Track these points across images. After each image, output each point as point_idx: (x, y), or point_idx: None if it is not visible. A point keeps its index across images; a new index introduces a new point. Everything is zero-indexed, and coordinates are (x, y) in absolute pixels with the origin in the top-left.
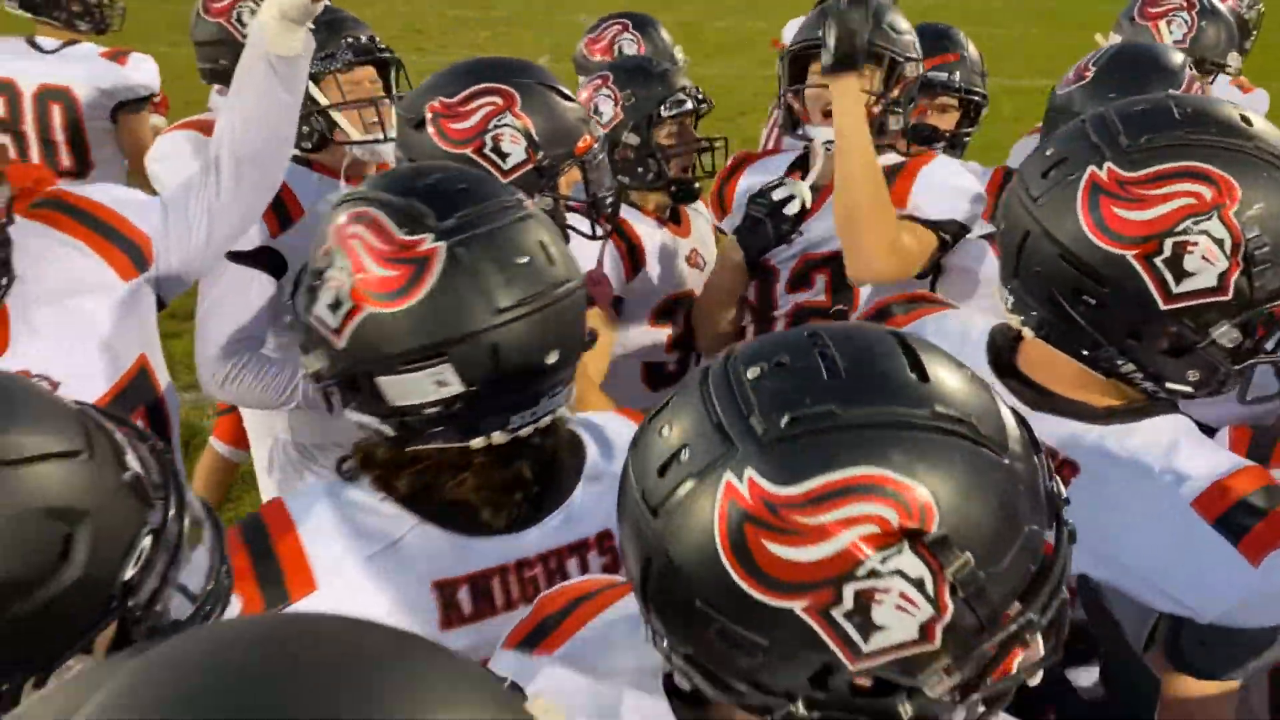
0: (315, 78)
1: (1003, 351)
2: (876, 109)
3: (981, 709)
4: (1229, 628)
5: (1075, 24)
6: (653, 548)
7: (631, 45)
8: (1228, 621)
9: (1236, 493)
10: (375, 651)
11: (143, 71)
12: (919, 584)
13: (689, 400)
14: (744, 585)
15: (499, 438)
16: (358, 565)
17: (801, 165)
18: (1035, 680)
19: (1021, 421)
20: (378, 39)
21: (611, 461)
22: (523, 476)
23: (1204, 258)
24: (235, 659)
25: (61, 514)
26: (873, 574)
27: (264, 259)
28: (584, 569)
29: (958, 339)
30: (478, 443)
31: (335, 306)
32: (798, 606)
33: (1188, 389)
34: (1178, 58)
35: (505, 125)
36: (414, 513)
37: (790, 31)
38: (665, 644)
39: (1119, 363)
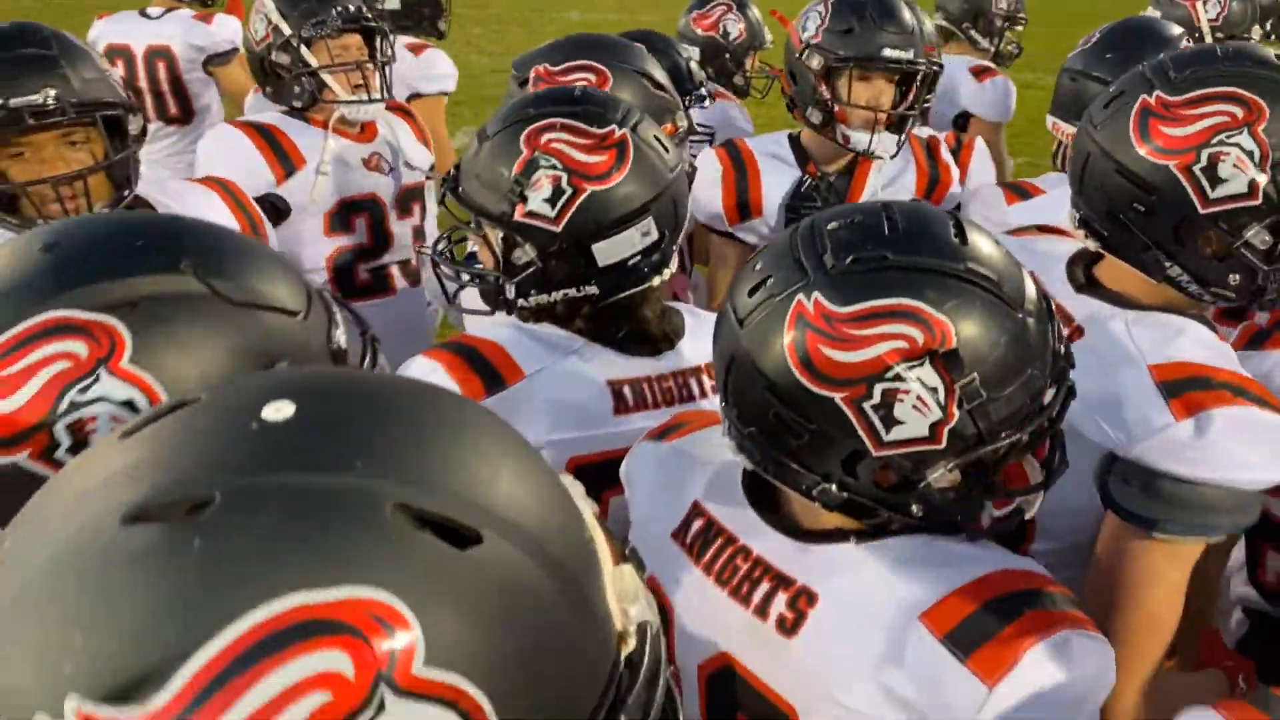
0: (307, 41)
1: (1079, 265)
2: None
3: (985, 520)
4: (1149, 468)
5: (1050, 19)
6: (736, 350)
7: (735, 24)
8: (1147, 459)
9: (1197, 372)
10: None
11: (226, 28)
12: (933, 391)
13: (779, 245)
14: (800, 377)
15: (668, 271)
16: (551, 363)
17: (796, 147)
18: (1032, 510)
19: (1044, 297)
20: (364, 9)
21: (695, 317)
22: (666, 311)
23: (1235, 166)
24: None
25: (266, 356)
26: (898, 378)
27: (266, 206)
28: (699, 386)
29: (1063, 251)
30: (658, 280)
31: (554, 197)
32: (838, 397)
33: (1229, 293)
34: (1175, 30)
35: None
36: (582, 336)
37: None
38: (737, 429)
39: (1166, 265)
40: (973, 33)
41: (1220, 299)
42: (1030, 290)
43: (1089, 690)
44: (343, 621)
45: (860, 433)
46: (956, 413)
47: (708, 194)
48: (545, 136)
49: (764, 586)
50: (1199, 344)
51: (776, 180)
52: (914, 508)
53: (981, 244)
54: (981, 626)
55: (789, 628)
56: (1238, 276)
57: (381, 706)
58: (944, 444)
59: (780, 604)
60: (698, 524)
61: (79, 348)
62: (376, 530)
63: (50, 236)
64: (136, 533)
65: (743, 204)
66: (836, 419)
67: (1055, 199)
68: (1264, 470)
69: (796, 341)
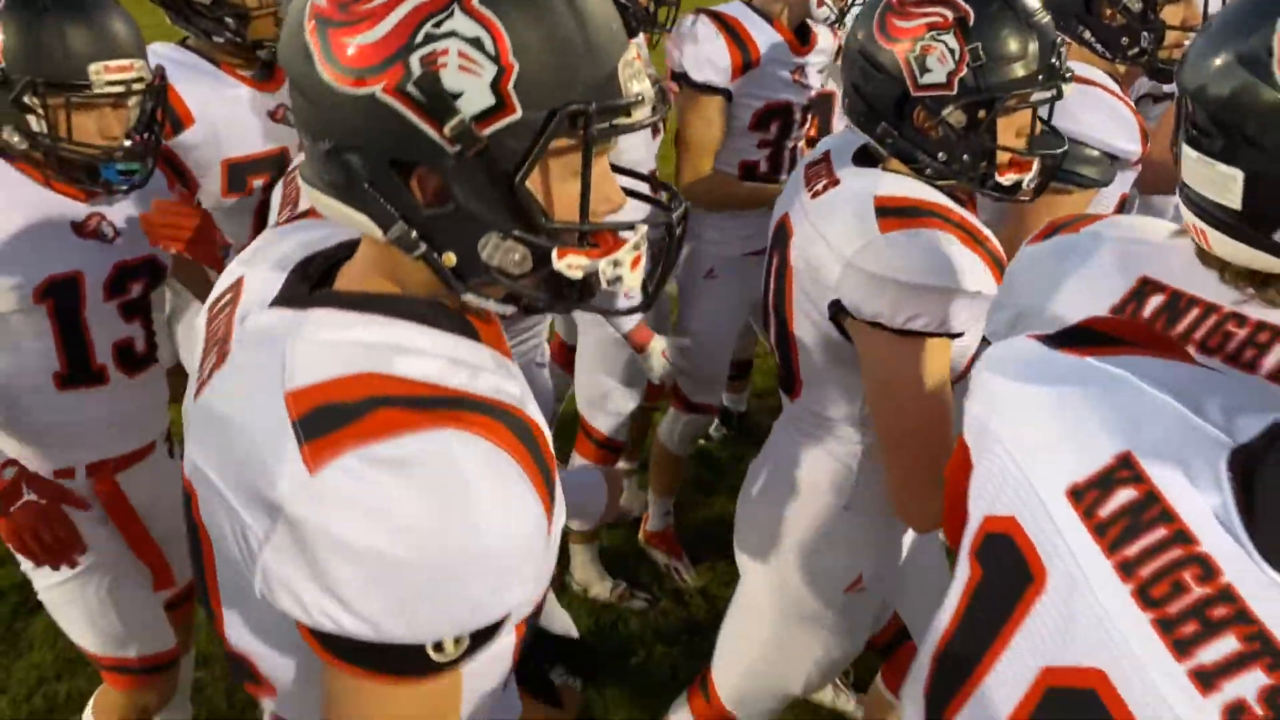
0: None
1: None
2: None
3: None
4: None
5: None
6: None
7: None
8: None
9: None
10: None
11: None
12: (952, 51)
13: None
14: (877, 37)
15: None
16: None
17: (754, 10)
18: (1024, 181)
19: (1060, 43)
20: None
21: None
22: None
23: None
24: None
25: None
26: (932, 40)
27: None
28: None
29: None
30: None
31: None
32: (896, 50)
33: (1122, 53)
34: None
35: None
36: None
37: None
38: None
39: (1082, 31)
40: None
41: (1119, 58)
42: (1044, 27)
43: (940, 275)
44: None
45: (905, 76)
46: (965, 69)
47: (710, 51)
48: None
49: (824, 179)
50: (1089, 71)
51: (761, 35)
52: (940, 154)
53: None
54: (906, 208)
55: (816, 196)
56: (1126, 39)
57: (452, 13)
58: (955, 90)
59: (819, 185)
60: (821, 167)
61: None
62: None
63: None
64: None
65: (746, 60)
66: (894, 67)
67: None
68: (1105, 133)
69: (879, 18)
